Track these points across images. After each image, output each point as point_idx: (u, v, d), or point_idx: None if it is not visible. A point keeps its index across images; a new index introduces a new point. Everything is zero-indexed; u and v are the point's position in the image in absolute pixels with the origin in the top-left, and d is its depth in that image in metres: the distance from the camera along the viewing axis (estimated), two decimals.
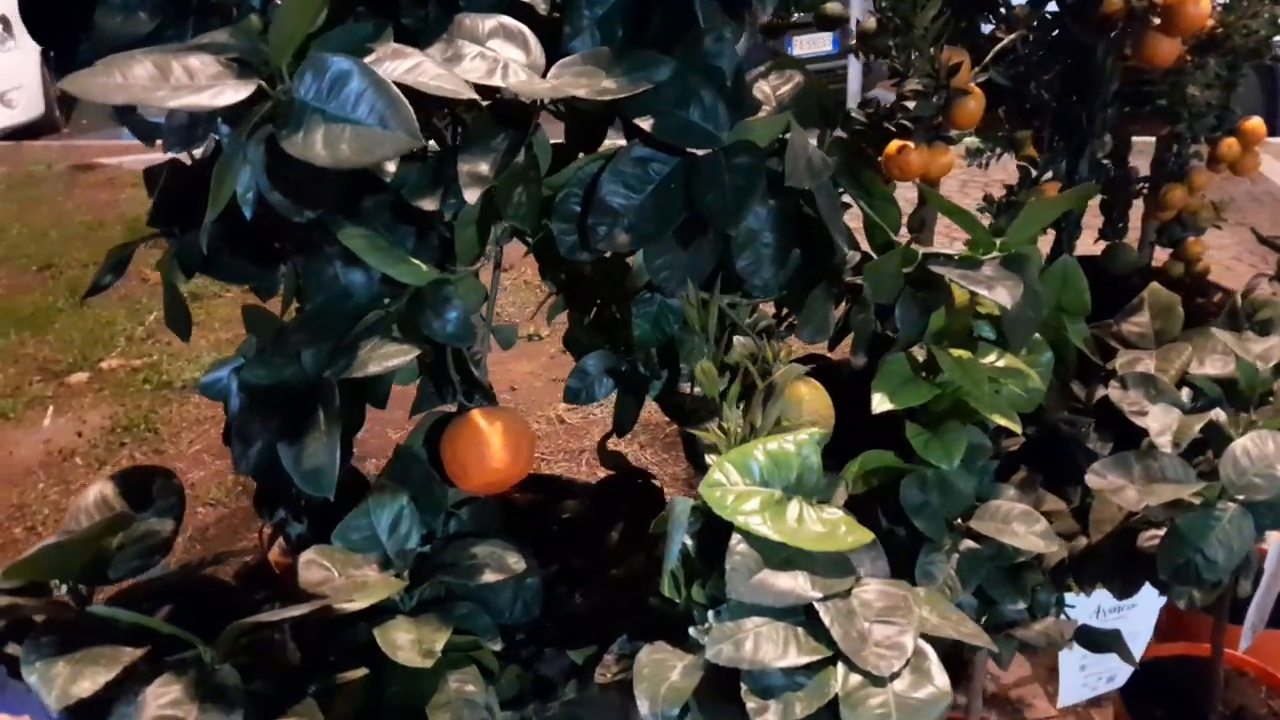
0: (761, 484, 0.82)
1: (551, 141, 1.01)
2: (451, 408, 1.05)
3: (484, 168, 0.86)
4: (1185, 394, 1.27)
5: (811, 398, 1.03)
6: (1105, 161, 1.29)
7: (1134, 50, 1.35)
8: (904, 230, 1.20)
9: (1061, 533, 1.13)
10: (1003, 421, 1.04)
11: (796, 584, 0.78)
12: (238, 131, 0.74)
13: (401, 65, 0.75)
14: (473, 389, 1.05)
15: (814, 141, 1.09)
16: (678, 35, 0.97)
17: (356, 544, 0.96)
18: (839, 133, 1.19)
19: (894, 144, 1.28)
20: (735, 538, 0.79)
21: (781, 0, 1.40)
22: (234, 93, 0.69)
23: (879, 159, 1.32)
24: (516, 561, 0.95)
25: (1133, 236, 2.19)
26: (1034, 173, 1.27)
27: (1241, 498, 0.96)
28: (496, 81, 0.85)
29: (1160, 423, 1.05)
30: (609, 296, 1.12)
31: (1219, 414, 1.07)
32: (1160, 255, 1.97)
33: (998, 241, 1.05)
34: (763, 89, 1.05)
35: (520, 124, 0.87)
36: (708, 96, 0.91)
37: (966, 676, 1.40)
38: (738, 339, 1.19)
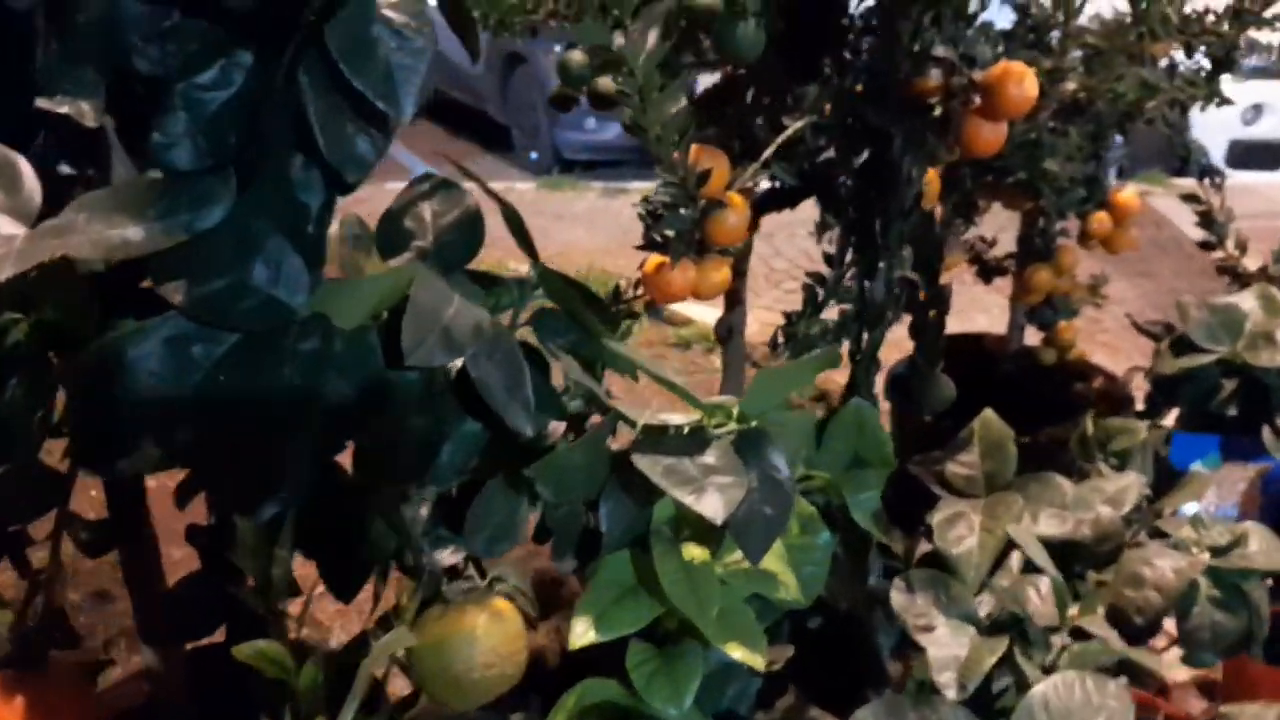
0: None
1: None
2: None
3: None
4: (1016, 560, 1.04)
5: (489, 632, 0.77)
6: (911, 275, 1.06)
7: (953, 137, 1.12)
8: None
9: None
10: (740, 655, 0.79)
11: None
12: None
13: None
14: None
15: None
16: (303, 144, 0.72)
17: None
18: None
19: (652, 261, 1.03)
20: None
21: None
22: None
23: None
24: None
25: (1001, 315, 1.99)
26: (820, 294, 1.04)
27: None
28: None
29: (944, 652, 0.81)
30: None
31: (1031, 631, 0.82)
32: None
33: (735, 412, 0.80)
34: (420, 215, 0.79)
35: None
36: (276, 248, 0.65)
37: None
38: None
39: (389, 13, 0.73)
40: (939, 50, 1.12)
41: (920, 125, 1.02)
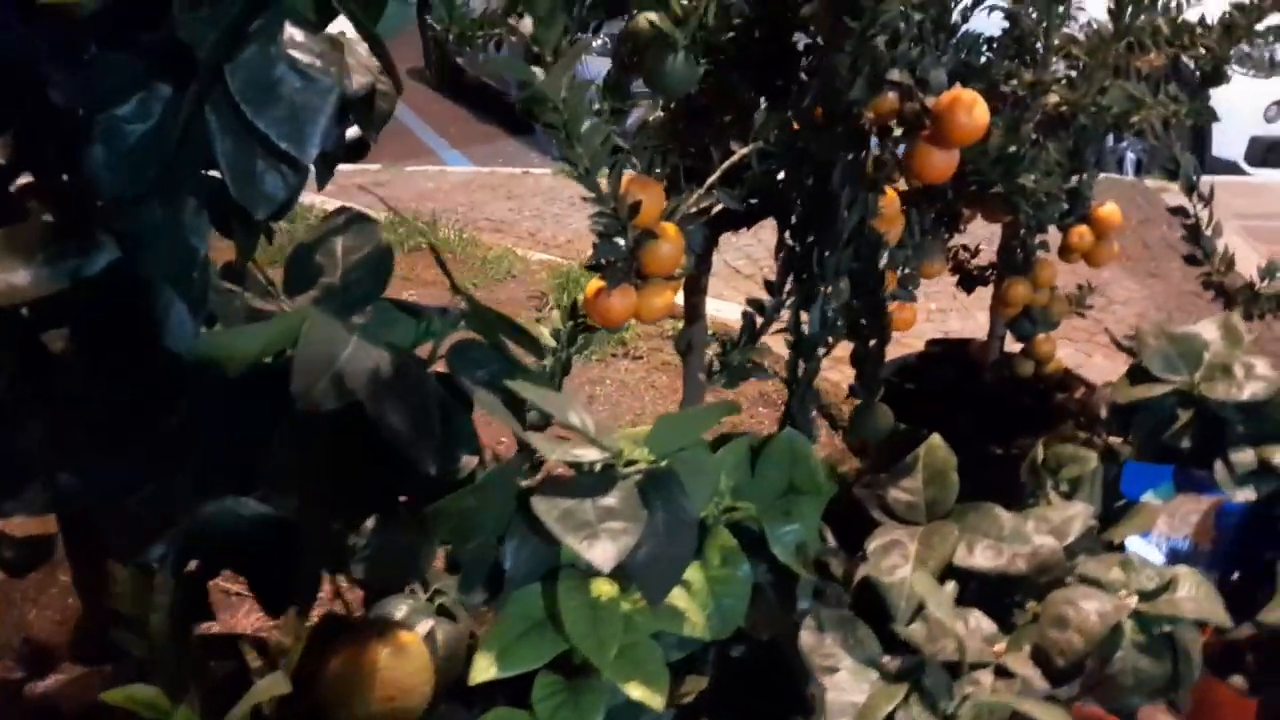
0: None
1: None
2: None
3: None
4: (950, 589, 1.04)
5: (389, 665, 0.78)
6: (853, 303, 1.05)
7: (905, 163, 1.11)
8: None
9: None
10: (639, 695, 0.80)
11: None
12: None
13: None
14: None
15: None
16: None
17: None
18: None
19: (592, 285, 1.03)
20: None
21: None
22: None
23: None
24: None
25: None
26: (759, 321, 1.03)
27: None
28: None
29: (843, 698, 0.81)
30: None
31: (930, 679, 0.82)
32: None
33: (643, 450, 0.81)
34: (332, 250, 0.80)
35: None
36: (161, 295, 0.65)
37: None
38: None
39: (294, 52, 0.73)
40: (894, 74, 1.10)
41: (859, 157, 1.01)
